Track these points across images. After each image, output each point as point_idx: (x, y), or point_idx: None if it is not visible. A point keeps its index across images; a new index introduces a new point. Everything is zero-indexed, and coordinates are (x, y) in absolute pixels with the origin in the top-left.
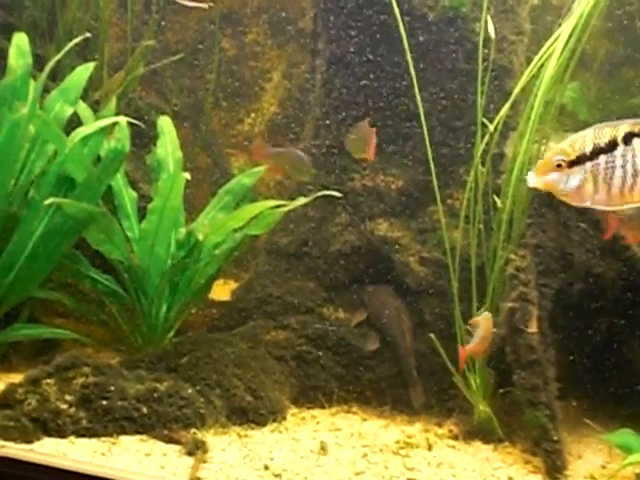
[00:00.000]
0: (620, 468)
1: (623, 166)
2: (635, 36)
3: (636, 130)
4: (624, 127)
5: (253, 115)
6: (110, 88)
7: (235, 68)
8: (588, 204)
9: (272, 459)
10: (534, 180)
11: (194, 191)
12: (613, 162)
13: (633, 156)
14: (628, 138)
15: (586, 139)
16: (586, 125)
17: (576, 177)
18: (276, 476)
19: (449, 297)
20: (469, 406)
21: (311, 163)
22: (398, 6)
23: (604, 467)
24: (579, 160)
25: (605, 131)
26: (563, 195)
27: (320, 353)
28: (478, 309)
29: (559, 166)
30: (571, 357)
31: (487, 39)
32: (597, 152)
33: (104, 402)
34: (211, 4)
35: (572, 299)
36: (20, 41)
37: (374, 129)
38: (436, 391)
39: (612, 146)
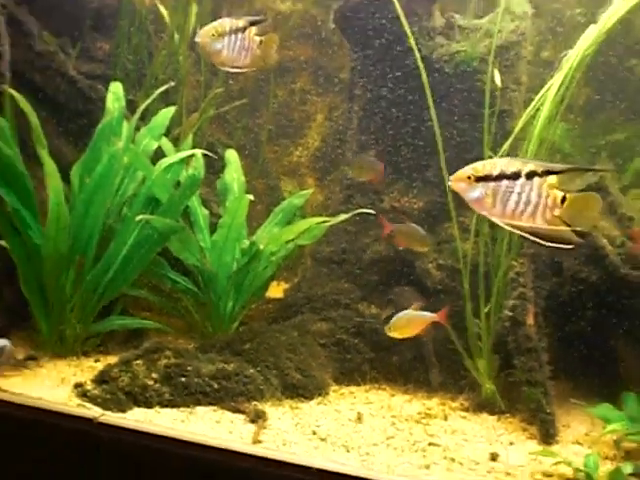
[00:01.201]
0: (601, 435)
1: (520, 194)
2: (610, 84)
3: (539, 170)
4: (531, 165)
5: (300, 149)
6: (187, 127)
7: (286, 111)
8: (485, 214)
9: (318, 426)
10: (450, 183)
11: (253, 209)
12: (512, 189)
13: (530, 190)
14: (530, 175)
15: (496, 165)
16: (570, 158)
17: (478, 191)
18: (322, 440)
19: (461, 296)
20: (477, 385)
21: (427, 236)
22: (421, 60)
23: (587, 434)
24: (485, 178)
25: (515, 163)
26: (468, 202)
27: (356, 341)
28: (485, 306)
29: (469, 178)
30: (560, 345)
31: (493, 88)
32: (502, 177)
33: (183, 379)
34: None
35: (561, 298)
36: (116, 89)
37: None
38: (450, 372)
39: (516, 176)
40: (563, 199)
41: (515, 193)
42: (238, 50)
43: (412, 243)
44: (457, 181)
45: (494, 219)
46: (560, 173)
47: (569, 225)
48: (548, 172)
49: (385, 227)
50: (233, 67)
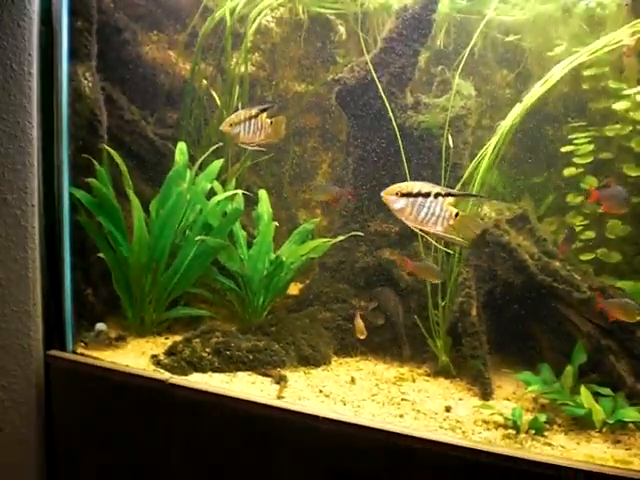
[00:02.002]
0: (524, 394)
1: (428, 208)
2: (531, 143)
3: (442, 193)
4: (437, 188)
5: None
6: (231, 174)
7: (301, 162)
8: (404, 219)
9: (324, 387)
10: (385, 197)
11: (278, 232)
12: (424, 204)
13: (435, 205)
14: (437, 195)
15: (415, 186)
16: (503, 196)
17: (401, 202)
18: (326, 396)
19: (425, 294)
20: (436, 357)
21: (440, 271)
22: (397, 127)
23: (514, 393)
24: (407, 194)
25: (427, 186)
26: (392, 210)
27: (350, 325)
28: (442, 301)
29: (396, 194)
30: (495, 329)
31: (447, 147)
32: (418, 195)
33: (228, 352)
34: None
35: (496, 296)
36: (181, 146)
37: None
38: (417, 348)
39: (427, 195)
40: (456, 214)
41: (425, 207)
42: (253, 131)
43: (428, 276)
44: (388, 194)
45: (409, 223)
46: (455, 196)
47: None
48: (448, 194)
49: (407, 265)
50: (251, 144)
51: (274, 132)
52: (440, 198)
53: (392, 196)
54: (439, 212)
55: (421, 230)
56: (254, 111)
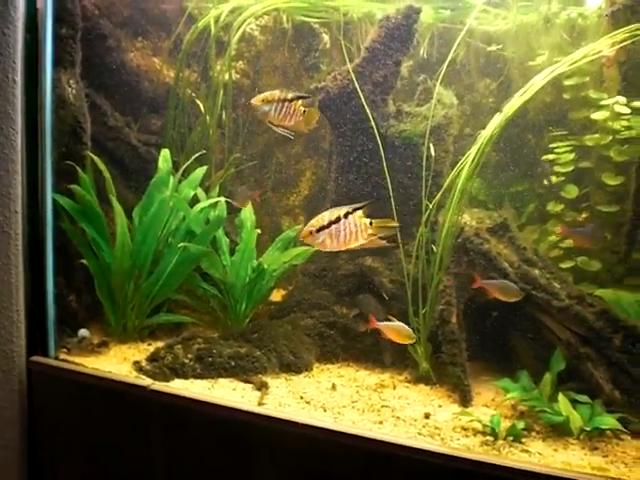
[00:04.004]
0: (503, 401)
1: (344, 229)
2: (513, 152)
3: (350, 210)
4: (345, 208)
5: (295, 195)
6: (215, 181)
7: (285, 169)
8: (330, 249)
9: (305, 393)
10: (304, 238)
11: (261, 239)
12: (339, 228)
13: (349, 224)
14: (346, 215)
15: (325, 217)
16: (485, 204)
17: (320, 237)
18: (307, 403)
19: (405, 302)
20: (417, 364)
21: (518, 290)
22: (379, 136)
23: (493, 400)
24: (321, 228)
25: (334, 211)
26: (315, 246)
27: (332, 332)
28: (422, 309)
29: (311, 232)
30: (475, 337)
31: (428, 156)
32: (331, 224)
33: (209, 359)
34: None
35: (475, 304)
36: (165, 153)
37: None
38: (398, 355)
39: (338, 219)
40: (371, 223)
41: (342, 230)
42: (284, 114)
43: (504, 296)
44: (305, 236)
45: (336, 249)
46: (361, 208)
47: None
48: (355, 209)
49: (477, 281)
50: (279, 126)
51: (305, 121)
52: (350, 216)
53: (309, 235)
54: (355, 228)
55: (348, 249)
56: (290, 95)
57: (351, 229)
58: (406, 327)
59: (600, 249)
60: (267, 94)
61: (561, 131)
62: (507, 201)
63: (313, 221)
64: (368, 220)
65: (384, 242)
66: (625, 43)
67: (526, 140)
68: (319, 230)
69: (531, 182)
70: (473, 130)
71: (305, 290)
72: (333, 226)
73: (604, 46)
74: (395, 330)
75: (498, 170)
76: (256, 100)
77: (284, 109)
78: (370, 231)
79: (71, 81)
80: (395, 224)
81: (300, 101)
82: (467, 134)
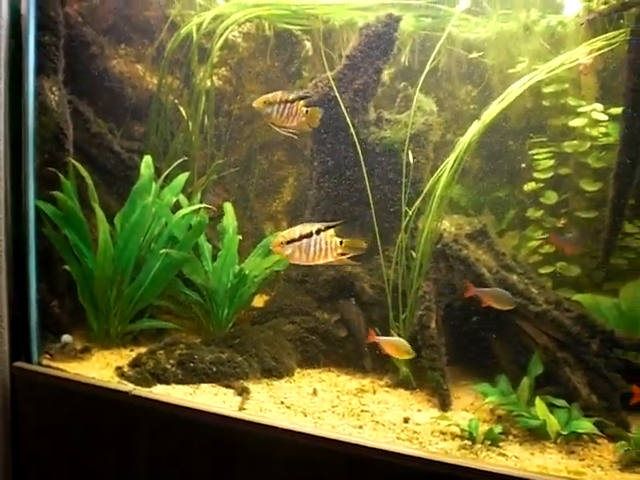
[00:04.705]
0: (481, 405)
1: (315, 245)
2: (494, 158)
3: (322, 228)
4: (317, 225)
5: (277, 201)
6: (197, 187)
7: (268, 175)
8: (297, 262)
9: (286, 398)
10: (274, 249)
11: (243, 245)
12: (309, 243)
13: (320, 241)
14: (318, 232)
15: (297, 230)
16: (466, 210)
17: (289, 249)
18: (287, 408)
19: (386, 307)
20: (397, 369)
21: (512, 298)
22: (359, 143)
23: (472, 404)
24: (291, 241)
25: (307, 227)
26: (286, 257)
27: (313, 337)
28: (402, 314)
29: (281, 243)
30: (454, 341)
31: (408, 162)
32: (302, 237)
33: (191, 364)
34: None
35: (454, 309)
36: (147, 160)
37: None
38: (378, 360)
39: (310, 235)
40: (341, 242)
41: (312, 245)
42: (287, 115)
43: (498, 304)
44: (275, 246)
45: (303, 263)
46: (334, 227)
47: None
48: (327, 227)
49: (470, 290)
50: (281, 127)
51: (308, 120)
52: (322, 233)
53: (279, 246)
54: (325, 245)
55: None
56: (292, 96)
57: (321, 246)
58: (405, 342)
59: (579, 254)
60: (269, 96)
61: (541, 138)
62: (487, 207)
63: (285, 233)
64: (339, 239)
65: (352, 262)
66: (602, 51)
67: (507, 146)
68: (289, 242)
69: (512, 188)
70: (455, 137)
71: (287, 296)
72: (304, 240)
73: (581, 54)
74: (394, 345)
75: (479, 176)
76: (258, 102)
77: (286, 110)
78: (339, 250)
79: (54, 88)
80: (364, 245)
81: (302, 101)
82: (449, 141)
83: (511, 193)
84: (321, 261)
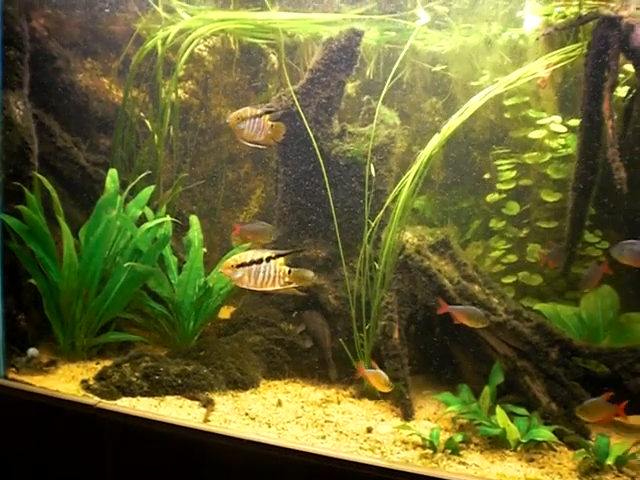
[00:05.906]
0: (443, 414)
1: (264, 272)
2: (460, 169)
3: (273, 255)
4: (268, 252)
5: (244, 213)
6: (163, 200)
7: (235, 187)
8: (245, 287)
9: (250, 409)
10: (224, 271)
11: (210, 257)
12: (259, 269)
13: (269, 268)
14: (268, 259)
15: (248, 256)
16: (430, 221)
17: (239, 273)
18: (252, 419)
19: (350, 318)
20: (362, 379)
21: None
22: (323, 155)
23: (435, 413)
24: (242, 265)
25: (258, 253)
26: (233, 281)
27: (279, 349)
28: (366, 325)
29: (232, 266)
30: (417, 351)
31: (371, 175)
32: (252, 263)
33: (157, 377)
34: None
35: (417, 320)
36: (112, 173)
37: None
38: (343, 371)
39: (260, 261)
40: (289, 271)
41: (261, 272)
42: (255, 130)
43: (470, 322)
44: (225, 268)
45: (250, 288)
46: (283, 256)
47: (293, 284)
48: (278, 256)
49: (443, 307)
50: (251, 142)
51: (273, 134)
52: (272, 261)
53: (229, 269)
54: (274, 273)
55: (263, 292)
56: (259, 111)
57: (270, 273)
58: (384, 375)
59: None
60: (240, 111)
61: (504, 149)
62: (451, 218)
63: (236, 256)
64: (287, 268)
65: (298, 291)
66: (559, 65)
67: (471, 158)
68: (239, 266)
69: (476, 199)
70: (420, 148)
71: (252, 307)
72: (254, 266)
73: (539, 67)
74: (375, 377)
75: (444, 188)
76: (231, 119)
77: (255, 125)
78: (287, 279)
79: (19, 102)
80: (311, 275)
81: (268, 116)
82: (414, 152)
83: (475, 204)
84: (269, 288)
